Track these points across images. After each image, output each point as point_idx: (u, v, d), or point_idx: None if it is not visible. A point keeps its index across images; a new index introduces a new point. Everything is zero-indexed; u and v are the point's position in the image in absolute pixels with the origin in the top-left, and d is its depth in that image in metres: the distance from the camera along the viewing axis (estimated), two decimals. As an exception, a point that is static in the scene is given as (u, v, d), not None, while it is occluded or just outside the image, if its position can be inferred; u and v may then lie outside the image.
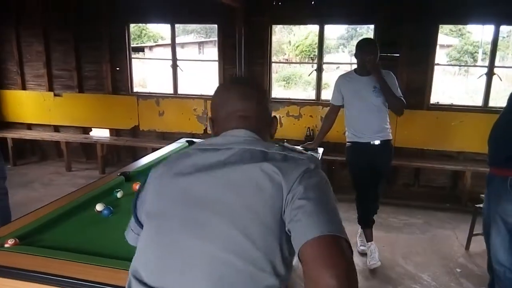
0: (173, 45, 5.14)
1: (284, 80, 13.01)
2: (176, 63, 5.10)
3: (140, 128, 5.22)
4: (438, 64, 4.47)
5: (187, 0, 4.76)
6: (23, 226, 1.57)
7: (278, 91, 11.22)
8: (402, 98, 2.90)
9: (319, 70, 4.72)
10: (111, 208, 1.80)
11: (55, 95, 5.36)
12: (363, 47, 2.88)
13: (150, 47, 14.84)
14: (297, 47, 13.70)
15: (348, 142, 3.07)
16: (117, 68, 5.17)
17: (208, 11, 4.76)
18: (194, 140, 3.27)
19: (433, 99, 4.59)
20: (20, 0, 5.21)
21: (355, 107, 2.94)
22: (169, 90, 5.22)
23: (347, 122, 3.04)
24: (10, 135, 5.27)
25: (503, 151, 2.15)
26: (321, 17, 4.54)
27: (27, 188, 4.30)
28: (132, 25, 5.41)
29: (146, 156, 2.76)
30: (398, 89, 2.90)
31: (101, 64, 5.18)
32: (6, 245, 1.40)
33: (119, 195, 2.00)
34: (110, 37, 5.09)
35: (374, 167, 2.98)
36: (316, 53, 4.76)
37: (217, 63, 4.92)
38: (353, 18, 4.56)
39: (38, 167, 5.34)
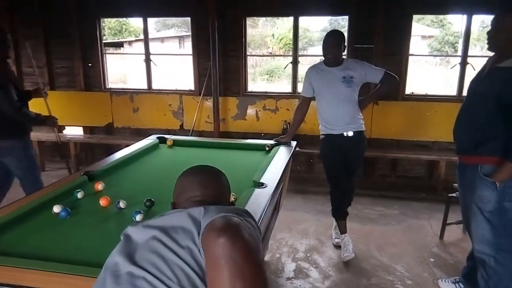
0: (145, 39, 5.02)
1: (267, 74, 12.93)
2: (149, 57, 4.99)
3: (114, 125, 5.12)
4: (412, 55, 4.48)
5: (159, -7, 4.67)
6: (-28, 233, 1.49)
7: (261, 85, 11.17)
8: (384, 71, 2.88)
9: (295, 63, 4.68)
10: (69, 210, 1.73)
11: (25, 93, 5.19)
12: (323, 41, 2.90)
13: (130, 42, 14.57)
14: (280, 40, 13.60)
15: (321, 134, 3.05)
16: (89, 64, 5.04)
17: (180, 4, 4.67)
18: (166, 136, 3.19)
19: (410, 90, 4.61)
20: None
21: (325, 99, 2.92)
22: (144, 85, 5.11)
23: (319, 114, 3.02)
24: (-20, 135, 5.08)
25: (470, 138, 2.16)
26: (295, 9, 4.49)
27: (-3, 190, 4.14)
28: (112, 20, 5.27)
29: (113, 154, 2.67)
30: (373, 66, 2.92)
31: (72, 60, 5.04)
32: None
33: (79, 195, 1.93)
34: (81, 32, 4.94)
35: (348, 159, 2.97)
36: (300, 46, 4.71)
37: (191, 57, 4.84)
38: (327, 9, 4.51)
39: (10, 167, 5.16)
